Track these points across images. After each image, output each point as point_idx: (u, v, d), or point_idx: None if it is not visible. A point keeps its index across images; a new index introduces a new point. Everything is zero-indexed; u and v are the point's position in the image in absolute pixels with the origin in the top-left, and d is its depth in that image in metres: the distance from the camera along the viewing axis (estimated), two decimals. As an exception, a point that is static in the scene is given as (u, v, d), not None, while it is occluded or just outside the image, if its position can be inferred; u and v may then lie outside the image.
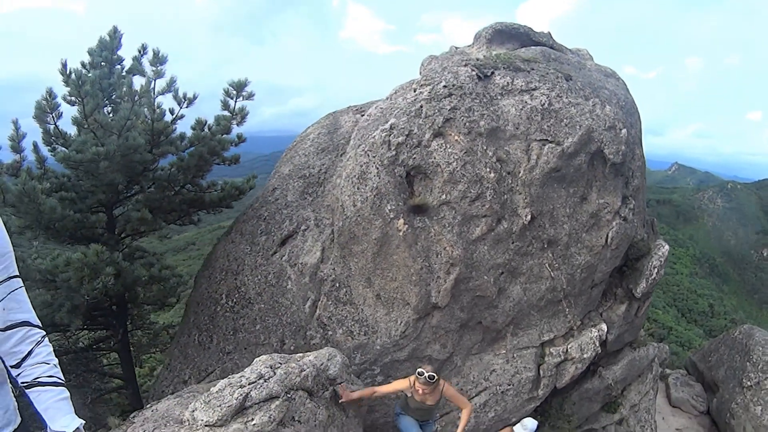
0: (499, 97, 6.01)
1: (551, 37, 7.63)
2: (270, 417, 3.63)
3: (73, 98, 5.79)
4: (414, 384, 4.67)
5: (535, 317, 6.94)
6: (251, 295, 5.99)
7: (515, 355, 6.75)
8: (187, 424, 3.53)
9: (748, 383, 11.36)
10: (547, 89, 6.13)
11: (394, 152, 5.44)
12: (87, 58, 6.59)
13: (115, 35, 6.51)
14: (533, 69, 6.33)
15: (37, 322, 2.07)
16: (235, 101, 6.36)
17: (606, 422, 8.23)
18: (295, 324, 5.73)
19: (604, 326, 7.53)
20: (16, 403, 2.12)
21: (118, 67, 6.82)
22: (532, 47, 7.22)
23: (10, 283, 1.98)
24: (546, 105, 6.06)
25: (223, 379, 3.99)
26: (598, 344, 7.24)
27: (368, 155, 5.41)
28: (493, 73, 6.14)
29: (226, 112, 6.48)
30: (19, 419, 2.10)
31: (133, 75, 6.57)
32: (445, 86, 5.74)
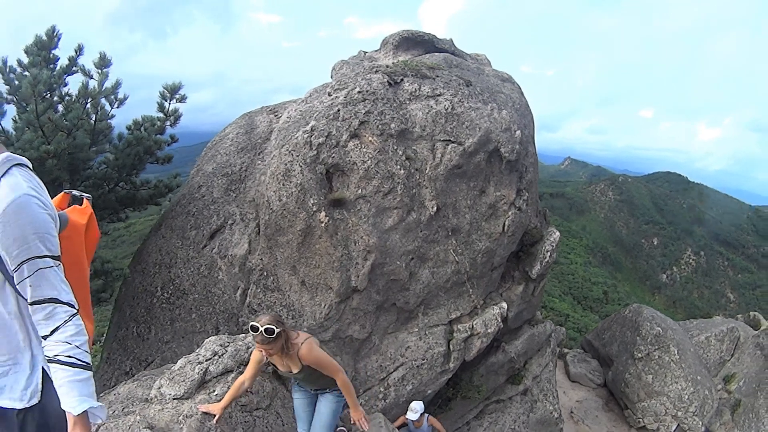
0: (407, 102, 7.42)
1: (453, 43, 9.18)
2: (229, 388, 4.75)
3: (10, 97, 6.34)
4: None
5: (443, 298, 8.48)
6: (185, 287, 6.95)
7: (427, 332, 8.24)
8: (155, 399, 4.51)
9: (639, 355, 13.92)
10: (451, 95, 7.64)
11: (315, 152, 6.66)
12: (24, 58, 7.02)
13: (54, 35, 7.04)
14: (438, 76, 7.82)
15: (67, 300, 2.27)
16: (169, 103, 7.23)
17: (512, 393, 10.02)
18: (227, 312, 6.79)
19: (504, 304, 9.25)
20: (40, 378, 2.36)
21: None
22: (436, 54, 8.72)
23: (35, 262, 2.17)
24: (449, 109, 7.56)
25: (163, 366, 5.02)
26: (500, 320, 8.93)
27: (292, 154, 6.58)
28: (402, 80, 7.55)
29: (160, 114, 7.31)
30: (36, 400, 2.33)
31: (68, 75, 7.15)
32: (359, 92, 7.04)
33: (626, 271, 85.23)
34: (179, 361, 4.82)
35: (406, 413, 7.30)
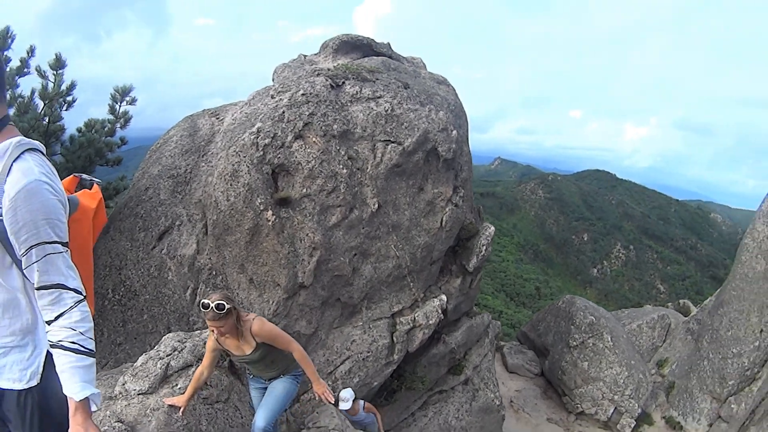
0: (349, 104, 7.89)
1: (390, 47, 9.74)
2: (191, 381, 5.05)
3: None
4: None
5: (385, 292, 8.99)
6: (136, 288, 7.11)
7: (371, 325, 8.73)
8: (121, 395, 4.75)
9: (574, 343, 14.96)
10: (390, 97, 8.17)
11: (261, 152, 7.01)
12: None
13: (8, 34, 6.98)
14: (378, 79, 8.34)
15: (74, 286, 2.34)
16: (120, 105, 7.36)
17: (453, 383, 10.66)
18: (178, 311, 7.03)
19: (444, 297, 9.86)
20: (42, 360, 2.44)
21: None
22: (374, 57, 9.24)
23: (44, 248, 2.24)
24: (389, 111, 8.09)
25: (115, 368, 5.25)
26: (440, 312, 9.54)
27: (239, 155, 6.91)
28: (344, 82, 8.01)
29: (111, 116, 7.42)
30: (35, 381, 2.42)
31: (20, 76, 7.12)
32: (303, 94, 7.45)
33: (557, 266, 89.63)
34: (140, 358, 5.07)
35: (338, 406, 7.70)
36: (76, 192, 2.86)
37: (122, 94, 7.41)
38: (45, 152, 2.41)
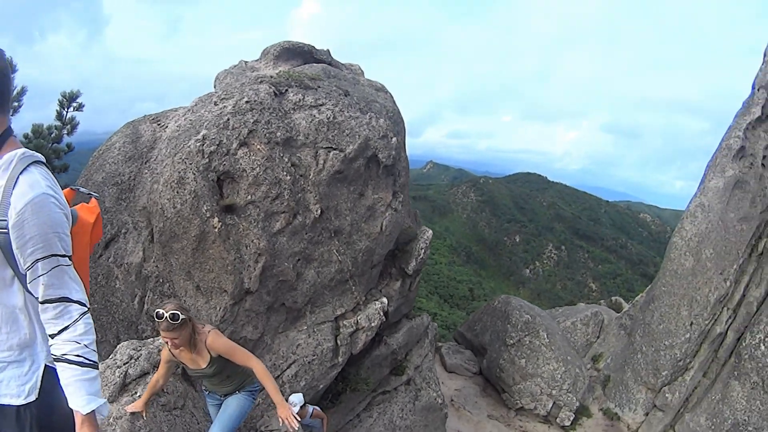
0: (292, 112, 8.25)
1: (330, 54, 10.15)
2: None
3: None
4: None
5: (328, 296, 9.37)
6: (81, 296, 7.14)
7: (315, 329, 9.08)
8: None
9: (511, 342, 15.78)
10: (332, 105, 8.58)
11: (207, 160, 7.25)
12: None
13: None
14: (320, 87, 8.73)
15: (78, 298, 2.38)
16: (67, 111, 7.35)
17: (396, 383, 11.13)
18: (127, 320, 7.13)
19: (384, 299, 10.34)
20: (40, 376, 2.45)
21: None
22: (315, 64, 9.63)
23: (50, 261, 2.28)
24: (331, 118, 8.50)
25: None
26: (382, 314, 10.00)
27: (185, 162, 7.12)
28: (287, 90, 8.36)
29: (57, 122, 7.39)
30: (33, 397, 2.42)
31: None
32: (247, 101, 7.75)
33: (490, 268, 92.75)
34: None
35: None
36: (72, 206, 2.89)
37: (69, 99, 7.42)
38: (47, 164, 2.45)
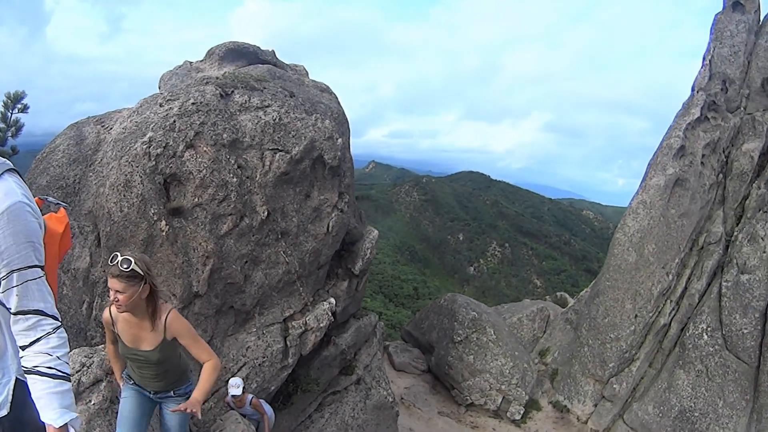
0: (238, 113, 8.56)
1: (275, 55, 10.50)
2: (103, 396, 5.49)
3: None
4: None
5: (276, 297, 9.71)
6: (27, 304, 7.20)
7: (264, 331, 9.40)
8: None
9: (458, 339, 16.49)
10: (278, 106, 8.95)
11: (153, 162, 7.49)
12: None
13: None
14: (265, 88, 9.07)
15: (52, 312, 2.41)
16: (11, 113, 7.36)
17: (346, 383, 11.56)
18: (76, 327, 7.26)
19: (332, 300, 10.75)
20: (11, 389, 2.47)
21: None
22: (260, 65, 9.95)
23: (25, 273, 2.30)
24: (277, 120, 8.87)
25: None
26: (330, 314, 10.41)
27: (131, 165, 7.33)
28: (233, 91, 8.66)
29: (1, 124, 7.39)
30: (5, 411, 2.44)
31: None
32: (193, 103, 8.02)
33: (434, 266, 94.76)
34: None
35: (227, 397, 8.37)
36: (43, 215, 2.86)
37: (14, 100, 7.44)
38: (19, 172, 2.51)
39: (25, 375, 2.39)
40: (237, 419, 8.11)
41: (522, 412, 15.95)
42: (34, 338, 2.36)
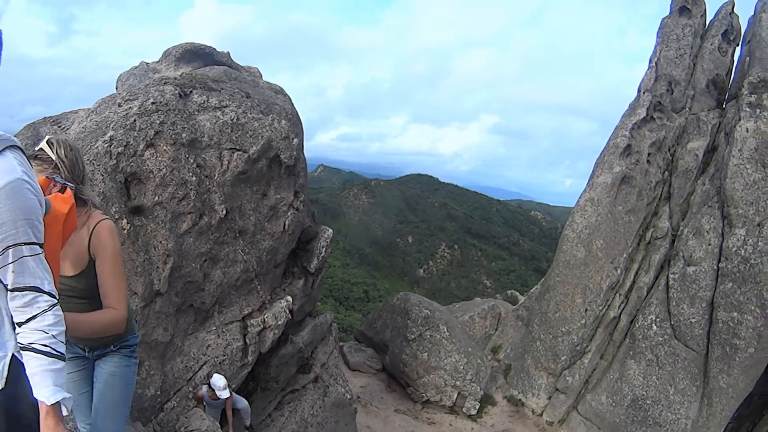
0: (196, 113, 8.90)
1: (230, 56, 10.85)
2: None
3: None
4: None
5: (234, 295, 10.06)
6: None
7: (224, 329, 9.74)
8: None
9: (412, 337, 17.10)
10: (235, 106, 9.32)
11: (114, 161, 7.76)
12: None
13: None
14: (223, 89, 9.44)
15: (49, 289, 2.44)
16: None
17: (304, 381, 11.98)
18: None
19: (289, 298, 11.17)
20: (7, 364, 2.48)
21: None
22: (216, 66, 10.30)
23: (22, 248, 2.33)
24: (235, 120, 9.24)
25: None
26: (288, 312, 10.82)
27: (93, 164, 7.58)
28: (191, 91, 9.00)
29: None
30: (0, 385, 2.44)
31: None
32: (153, 103, 8.32)
33: (384, 269, 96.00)
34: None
35: (202, 389, 8.83)
36: (47, 195, 2.97)
37: None
38: (23, 149, 2.53)
39: (21, 351, 2.43)
40: (201, 416, 8.45)
41: (477, 407, 16.72)
42: (30, 315, 2.40)
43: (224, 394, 8.59)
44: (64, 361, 2.49)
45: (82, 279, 3.32)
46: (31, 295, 2.40)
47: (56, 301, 2.50)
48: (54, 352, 2.43)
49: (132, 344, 3.70)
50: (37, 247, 2.42)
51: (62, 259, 3.14)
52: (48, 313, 2.43)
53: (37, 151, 3.25)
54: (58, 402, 2.41)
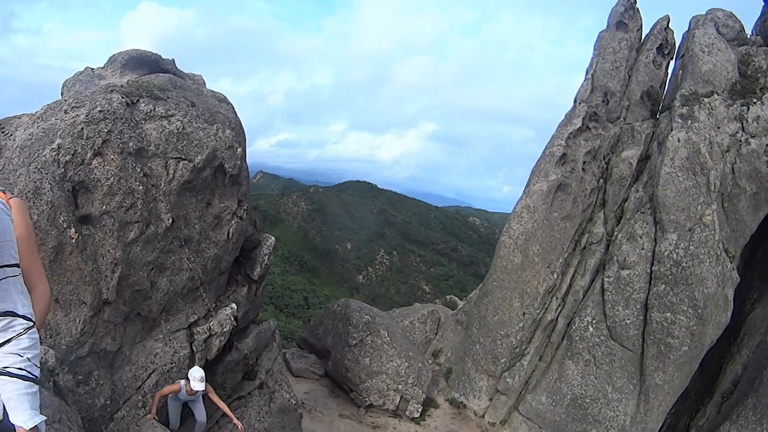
0: (143, 122, 9.12)
1: (175, 64, 11.08)
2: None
3: None
4: None
5: (180, 303, 10.28)
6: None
7: (171, 337, 9.94)
8: None
9: (354, 342, 17.55)
10: (181, 116, 9.58)
11: (62, 170, 7.91)
12: None
13: None
14: (169, 98, 9.68)
15: (24, 312, 2.47)
16: None
17: (250, 388, 12.22)
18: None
19: (234, 305, 11.45)
20: None
21: None
22: (161, 74, 10.51)
23: (1, 271, 2.36)
24: (180, 129, 9.51)
25: None
26: (233, 319, 11.09)
27: (41, 172, 7.70)
28: (138, 100, 9.20)
29: None
30: None
31: None
32: (100, 111, 8.50)
33: (324, 276, 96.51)
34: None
35: (180, 383, 9.13)
36: None
37: None
38: None
39: None
40: (153, 424, 8.64)
41: (420, 410, 17.33)
42: (5, 339, 2.43)
43: (200, 386, 8.82)
44: (39, 384, 2.56)
45: None
46: (6, 319, 2.43)
47: (32, 323, 2.54)
48: (30, 376, 2.47)
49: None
50: (15, 268, 2.49)
51: None
52: (23, 336, 2.47)
53: None
54: (35, 426, 2.47)
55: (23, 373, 2.45)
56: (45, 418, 2.55)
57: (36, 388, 2.51)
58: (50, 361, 6.92)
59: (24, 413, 2.43)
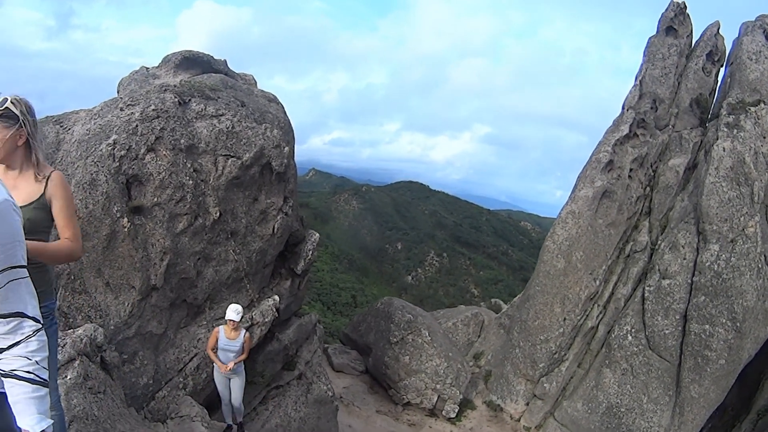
0: (194, 121, 9.63)
1: (227, 64, 11.60)
2: (77, 373, 6.41)
3: None
4: None
5: (225, 293, 10.75)
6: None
7: (214, 324, 10.42)
8: None
9: (395, 340, 17.79)
10: (231, 115, 10.05)
11: (117, 163, 8.47)
12: None
13: None
14: (219, 98, 10.17)
15: (33, 314, 2.43)
16: None
17: (288, 378, 12.65)
18: (40, 314, 8.08)
19: (276, 297, 11.87)
20: None
21: None
22: (213, 74, 11.04)
23: (9, 273, 2.30)
24: (230, 128, 9.97)
25: None
26: (275, 310, 11.51)
27: (97, 165, 8.29)
28: (190, 99, 9.72)
29: None
30: None
31: None
32: (154, 109, 9.05)
33: (373, 275, 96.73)
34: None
35: (219, 330, 9.08)
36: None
37: None
38: None
39: (2, 378, 2.43)
40: (191, 402, 9.13)
41: (457, 410, 17.42)
42: (14, 341, 2.38)
43: (233, 315, 8.70)
44: (48, 387, 2.51)
45: (30, 209, 3.49)
46: (16, 321, 2.39)
47: (41, 326, 2.50)
48: (37, 379, 2.43)
49: (51, 309, 3.90)
50: (24, 270, 2.43)
51: (17, 190, 3.41)
52: (32, 339, 2.43)
53: (3, 110, 3.35)
54: (43, 430, 2.42)
55: (31, 376, 2.42)
56: (52, 422, 2.50)
57: (44, 391, 2.48)
58: (99, 338, 7.43)
59: (31, 417, 2.40)
